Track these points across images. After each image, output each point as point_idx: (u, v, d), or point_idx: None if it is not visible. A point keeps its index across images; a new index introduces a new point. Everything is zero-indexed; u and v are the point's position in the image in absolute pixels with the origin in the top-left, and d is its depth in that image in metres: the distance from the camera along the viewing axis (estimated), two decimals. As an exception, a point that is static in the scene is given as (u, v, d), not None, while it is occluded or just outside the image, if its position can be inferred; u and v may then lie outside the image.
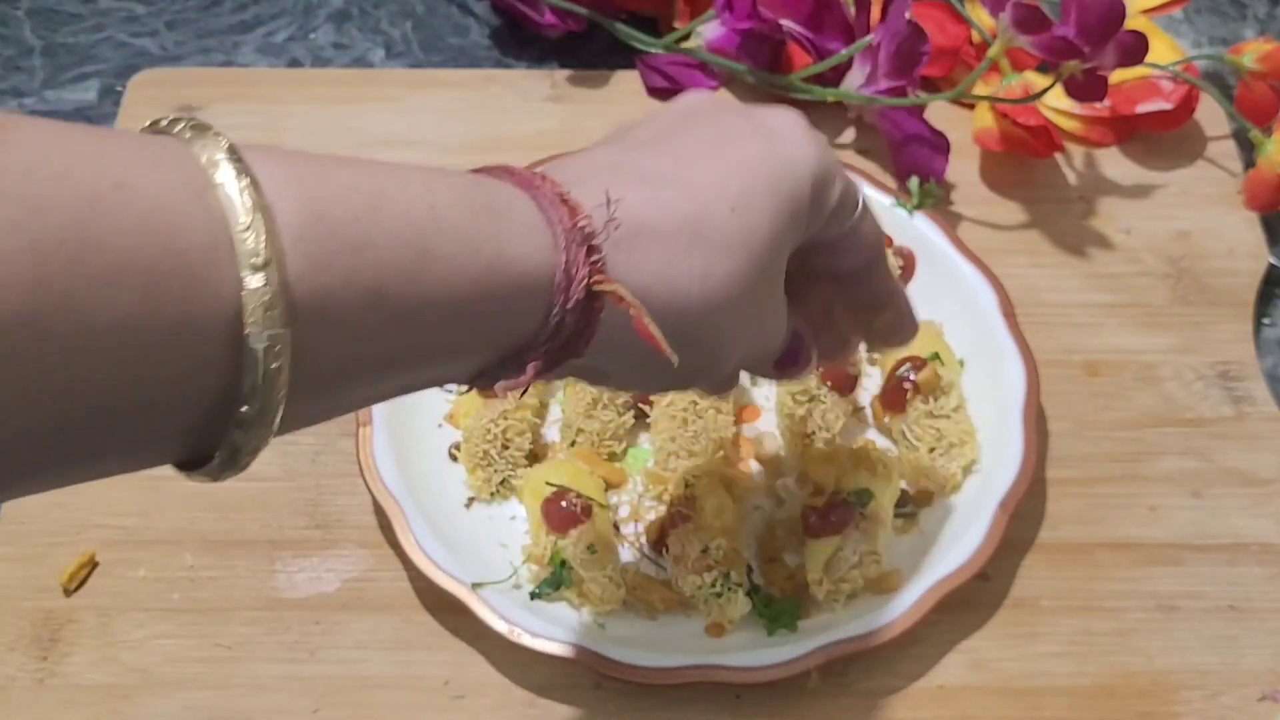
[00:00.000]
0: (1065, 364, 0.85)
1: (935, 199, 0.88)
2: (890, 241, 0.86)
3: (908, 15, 0.86)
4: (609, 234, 0.44)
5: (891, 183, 0.91)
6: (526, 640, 0.70)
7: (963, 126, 0.94)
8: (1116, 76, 0.87)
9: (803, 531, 0.75)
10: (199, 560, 0.77)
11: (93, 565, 0.76)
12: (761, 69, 0.95)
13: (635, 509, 0.78)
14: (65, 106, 1.00)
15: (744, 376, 0.81)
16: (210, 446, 0.39)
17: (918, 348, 0.79)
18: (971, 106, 0.96)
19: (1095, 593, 0.76)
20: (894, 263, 0.85)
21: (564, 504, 0.73)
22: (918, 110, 0.90)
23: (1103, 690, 0.73)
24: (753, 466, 0.80)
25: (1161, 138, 0.95)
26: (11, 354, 0.32)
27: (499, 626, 0.71)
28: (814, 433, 0.78)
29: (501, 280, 0.42)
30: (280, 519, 0.78)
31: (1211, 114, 0.96)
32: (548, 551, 0.72)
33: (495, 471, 0.78)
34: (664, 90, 0.97)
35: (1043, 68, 0.91)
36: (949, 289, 0.84)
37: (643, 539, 0.77)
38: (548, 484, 0.73)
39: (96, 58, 1.03)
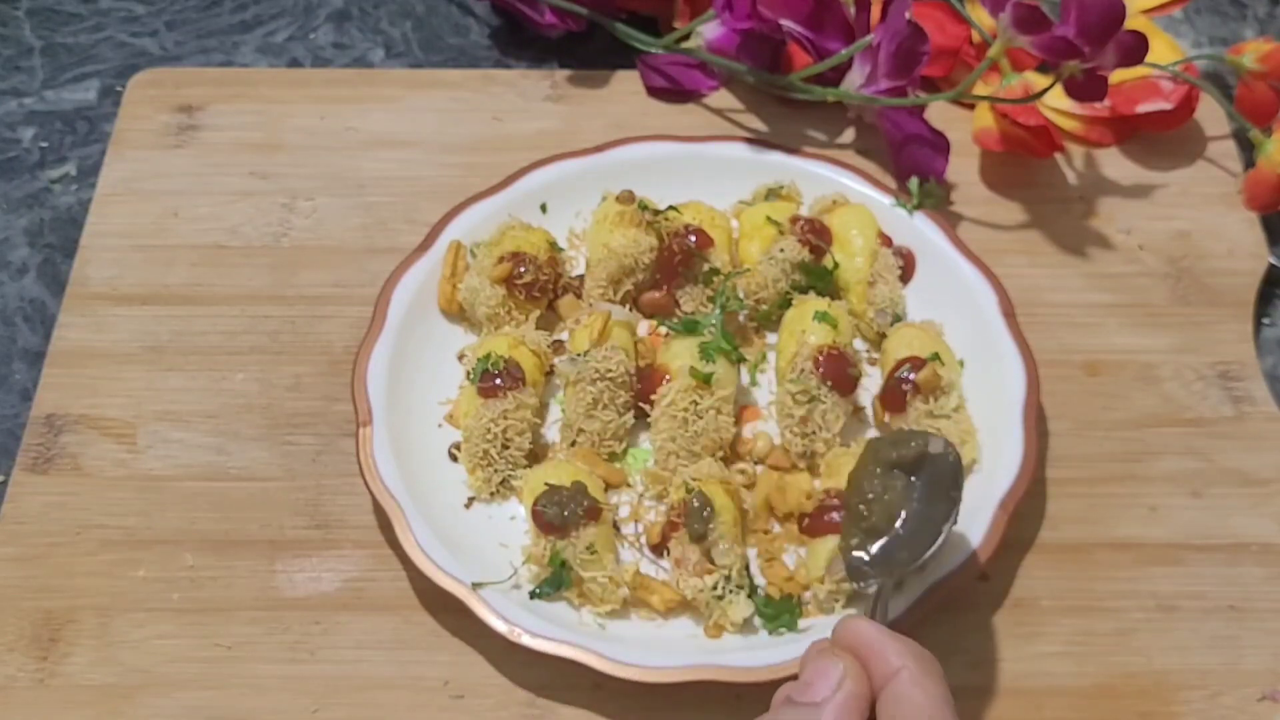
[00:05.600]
0: (1065, 364, 0.85)
1: (935, 199, 0.88)
2: (890, 241, 0.86)
3: (908, 15, 0.86)
4: None
5: (891, 183, 0.91)
6: (526, 640, 0.70)
7: (963, 126, 0.94)
8: (1116, 76, 0.87)
9: (801, 532, 0.75)
10: (199, 560, 0.77)
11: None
12: (761, 69, 0.95)
13: (635, 509, 0.78)
14: (65, 106, 1.00)
15: (743, 375, 0.82)
16: None
17: (918, 348, 0.80)
18: (971, 106, 0.96)
19: (1095, 593, 0.76)
20: (894, 263, 0.85)
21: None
22: (918, 110, 0.90)
23: (1103, 690, 0.73)
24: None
25: (1161, 138, 0.95)
26: None
27: (499, 626, 0.71)
28: (814, 433, 0.78)
29: None
30: (280, 519, 0.78)
31: (1211, 114, 0.96)
32: (548, 552, 0.72)
33: (495, 471, 0.78)
34: (664, 90, 0.97)
35: (1043, 68, 0.91)
36: (949, 289, 0.84)
37: (643, 539, 0.77)
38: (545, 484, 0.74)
39: (96, 58, 1.03)
